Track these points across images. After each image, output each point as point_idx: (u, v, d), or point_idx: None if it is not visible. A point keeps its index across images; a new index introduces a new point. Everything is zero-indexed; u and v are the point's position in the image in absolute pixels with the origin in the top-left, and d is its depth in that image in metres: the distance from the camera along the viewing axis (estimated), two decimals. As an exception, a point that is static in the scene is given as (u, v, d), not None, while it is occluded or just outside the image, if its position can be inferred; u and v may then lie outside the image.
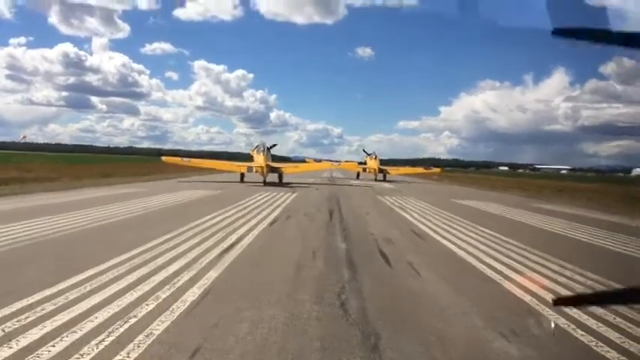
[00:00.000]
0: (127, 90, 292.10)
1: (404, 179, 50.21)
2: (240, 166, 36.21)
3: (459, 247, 11.10)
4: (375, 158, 48.44)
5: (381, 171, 47.26)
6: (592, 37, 1.22)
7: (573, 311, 6.35)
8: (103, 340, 4.72)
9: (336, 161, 57.17)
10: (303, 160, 64.28)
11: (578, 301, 1.25)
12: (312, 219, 15.50)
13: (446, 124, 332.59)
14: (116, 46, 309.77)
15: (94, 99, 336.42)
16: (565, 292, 7.32)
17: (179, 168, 41.43)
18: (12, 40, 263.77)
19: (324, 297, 6.60)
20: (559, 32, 1.18)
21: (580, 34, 1.21)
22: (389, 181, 44.74)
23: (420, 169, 57.58)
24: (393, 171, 50.65)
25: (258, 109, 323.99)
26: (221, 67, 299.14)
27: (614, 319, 6.09)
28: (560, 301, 1.21)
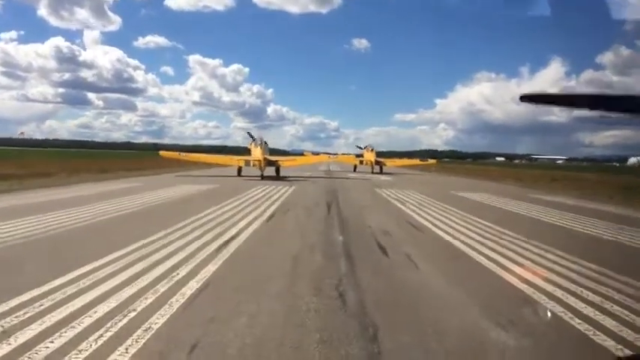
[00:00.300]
0: (123, 86, 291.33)
1: (400, 171, 50.47)
2: (238, 160, 36.24)
3: (455, 238, 11.14)
4: (372, 151, 48.75)
5: (377, 163, 47.77)
6: (558, 102, 1.28)
7: (570, 299, 6.40)
8: (102, 334, 4.75)
9: (334, 154, 57.01)
10: (301, 154, 65.04)
11: (543, 98, 1.32)
12: (310, 213, 15.53)
13: (442, 116, 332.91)
14: (109, 39, 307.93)
15: (91, 95, 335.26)
16: (561, 282, 7.36)
17: (177, 162, 41.43)
18: (3, 35, 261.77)
19: (322, 289, 6.63)
20: (525, 98, 1.24)
21: (546, 99, 1.26)
22: (385, 173, 45.07)
23: (416, 161, 58.32)
24: (389, 163, 51.15)
25: (255, 104, 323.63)
26: (216, 62, 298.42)
27: (612, 307, 6.14)
28: (526, 98, 1.28)
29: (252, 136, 37.04)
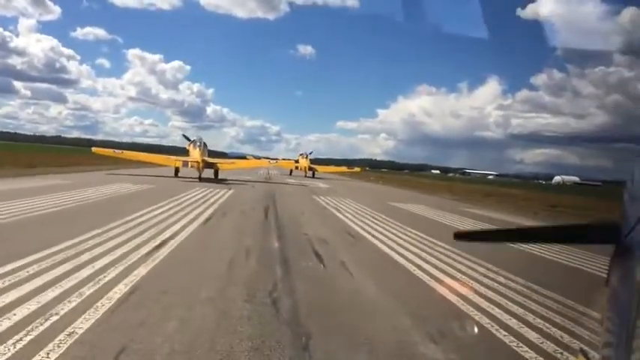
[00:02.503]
0: (53, 76, 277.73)
1: (332, 177, 56.67)
2: (176, 161, 35.48)
3: (390, 248, 11.37)
4: (306, 157, 55.20)
5: (310, 169, 53.56)
6: (492, 238, 1.33)
7: (496, 311, 6.67)
8: (21, 339, 4.48)
9: (274, 159, 58.27)
10: (243, 157, 66.85)
11: (476, 236, 1.37)
12: (247, 217, 15.40)
13: (383, 126, 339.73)
14: (45, 28, 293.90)
15: (17, 84, 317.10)
16: (486, 292, 7.66)
17: (111, 160, 40.01)
18: None
19: (255, 295, 6.57)
20: (460, 236, 1.29)
21: (480, 235, 1.31)
22: (318, 178, 50.21)
23: (344, 168, 67.07)
24: (320, 169, 57.24)
25: (195, 103, 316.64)
26: (157, 57, 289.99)
27: (534, 319, 6.45)
28: (459, 235, 1.32)
29: (188, 139, 36.72)
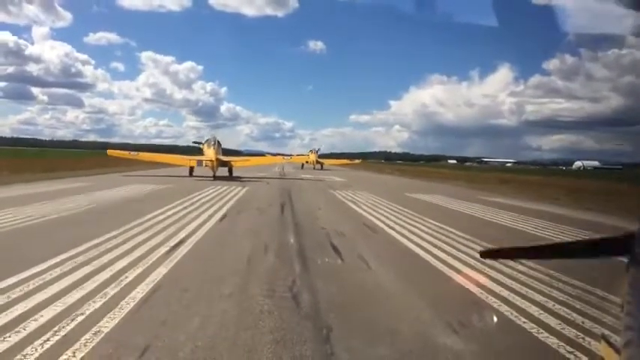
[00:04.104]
0: (70, 81, 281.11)
1: (339, 168, 66.98)
2: (190, 160, 35.69)
3: (408, 239, 11.35)
4: (315, 153, 67.60)
5: (318, 162, 64.72)
6: (520, 255, 1.33)
7: (516, 299, 6.64)
8: (48, 339, 4.58)
9: (288, 155, 60.11)
10: (259, 154, 72.10)
11: (503, 254, 1.38)
12: (263, 213, 15.47)
13: (396, 117, 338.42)
14: (58, 35, 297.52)
15: (35, 90, 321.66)
16: (507, 282, 7.62)
17: (126, 162, 40.39)
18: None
19: (275, 290, 6.62)
20: (486, 254, 1.28)
21: (507, 253, 1.31)
22: (327, 170, 59.83)
23: (346, 161, 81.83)
24: (327, 162, 68.60)
25: (208, 102, 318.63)
26: (169, 59, 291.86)
27: (554, 305, 6.41)
28: (485, 254, 1.32)
29: (198, 143, 37.68)
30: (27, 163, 39.57)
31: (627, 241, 1.15)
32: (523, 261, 9.01)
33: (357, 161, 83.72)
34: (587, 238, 1.25)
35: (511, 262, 8.95)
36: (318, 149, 71.25)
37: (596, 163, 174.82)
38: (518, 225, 15.22)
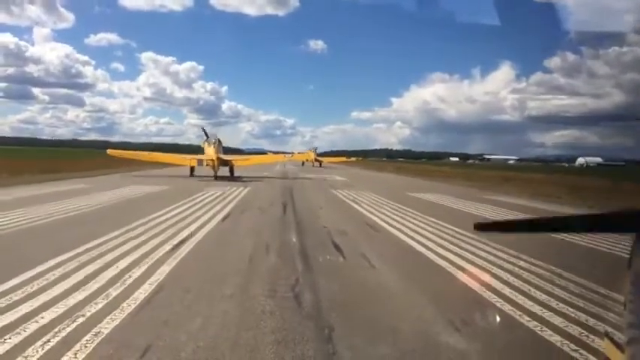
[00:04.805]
0: (70, 81, 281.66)
1: (338, 166, 72.00)
2: (191, 160, 35.43)
3: (411, 238, 11.33)
4: (314, 151, 73.53)
5: (317, 160, 70.65)
6: (513, 229, 1.30)
7: (518, 298, 6.62)
8: (49, 340, 4.57)
9: (289, 153, 60.62)
10: (260, 152, 75.97)
11: (497, 227, 1.35)
12: (265, 213, 15.45)
13: (398, 114, 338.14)
14: (60, 36, 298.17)
15: (36, 90, 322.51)
16: (510, 280, 7.60)
17: (126, 162, 40.27)
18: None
19: (277, 290, 6.60)
20: (480, 227, 1.26)
21: (501, 226, 1.28)
22: (325, 167, 64.55)
23: (343, 158, 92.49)
24: (325, 160, 76.43)
25: (209, 100, 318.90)
26: (170, 59, 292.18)
27: (557, 304, 6.38)
28: (479, 227, 1.30)
29: (206, 133, 36.61)
30: (28, 162, 39.50)
31: (631, 218, 1.13)
32: (524, 259, 9.00)
33: (353, 159, 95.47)
34: (587, 212, 1.22)
35: (513, 260, 8.94)
36: (316, 148, 78.59)
37: (599, 160, 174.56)
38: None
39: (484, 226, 1.30)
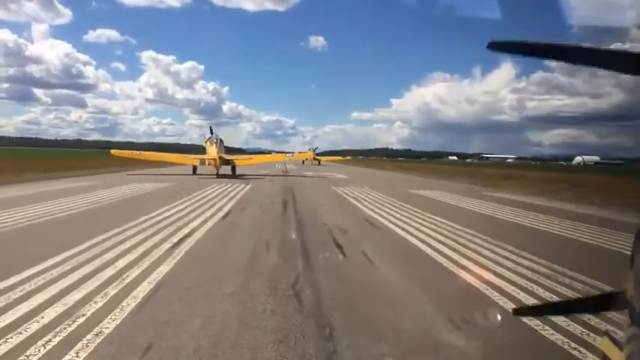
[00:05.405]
0: (72, 82, 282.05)
1: (337, 164, 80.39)
2: (193, 159, 35.71)
3: (410, 234, 11.32)
4: (313, 151, 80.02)
5: (315, 159, 77.40)
6: (525, 50, 1.17)
7: (520, 295, 6.61)
8: (50, 339, 4.57)
9: (290, 152, 60.10)
10: (262, 152, 79.28)
11: (538, 311, 1.30)
12: (266, 210, 15.45)
13: (398, 115, 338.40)
14: (58, 32, 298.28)
15: (38, 91, 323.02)
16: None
17: (130, 161, 40.41)
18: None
19: (278, 288, 6.59)
20: (494, 45, 1.16)
21: (514, 46, 1.16)
22: (324, 165, 70.81)
23: (339, 158, 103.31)
24: (323, 159, 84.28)
25: (211, 101, 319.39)
26: (170, 58, 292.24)
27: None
28: (520, 311, 1.26)
29: (212, 131, 37.54)
30: (41, 163, 39.75)
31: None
32: (524, 257, 8.99)
33: (348, 158, 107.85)
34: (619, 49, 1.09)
35: (514, 257, 8.93)
36: (316, 148, 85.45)
37: (596, 158, 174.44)
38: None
39: (499, 45, 1.17)
